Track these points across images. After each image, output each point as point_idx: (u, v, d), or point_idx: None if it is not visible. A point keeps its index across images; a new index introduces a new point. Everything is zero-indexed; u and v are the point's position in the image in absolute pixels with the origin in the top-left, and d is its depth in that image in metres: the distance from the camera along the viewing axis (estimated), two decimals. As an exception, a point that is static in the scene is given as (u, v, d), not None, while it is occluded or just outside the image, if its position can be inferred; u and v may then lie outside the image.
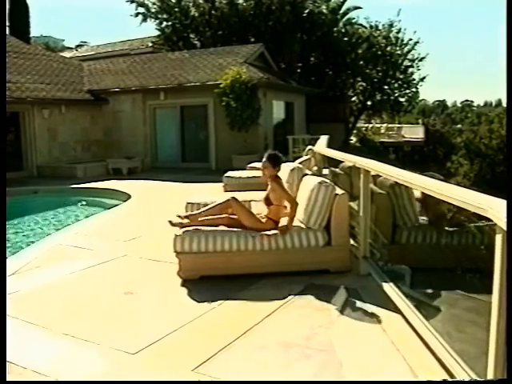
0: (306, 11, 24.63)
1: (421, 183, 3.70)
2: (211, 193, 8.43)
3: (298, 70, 25.94)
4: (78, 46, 41.34)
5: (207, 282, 5.01)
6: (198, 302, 4.60)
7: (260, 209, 5.68)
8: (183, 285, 5.03)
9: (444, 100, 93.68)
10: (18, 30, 28.61)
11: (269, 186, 5.54)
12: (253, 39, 23.83)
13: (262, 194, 7.29)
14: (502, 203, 2.41)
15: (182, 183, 12.78)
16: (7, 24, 30.37)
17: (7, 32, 26.74)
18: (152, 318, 4.32)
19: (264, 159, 5.56)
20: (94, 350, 3.70)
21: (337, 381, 3.25)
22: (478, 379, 2.88)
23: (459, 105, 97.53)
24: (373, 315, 4.19)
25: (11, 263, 6.35)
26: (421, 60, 28.04)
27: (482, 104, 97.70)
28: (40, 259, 6.28)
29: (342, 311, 4.34)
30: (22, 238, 8.57)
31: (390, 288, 4.48)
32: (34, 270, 5.82)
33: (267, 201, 5.46)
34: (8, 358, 3.52)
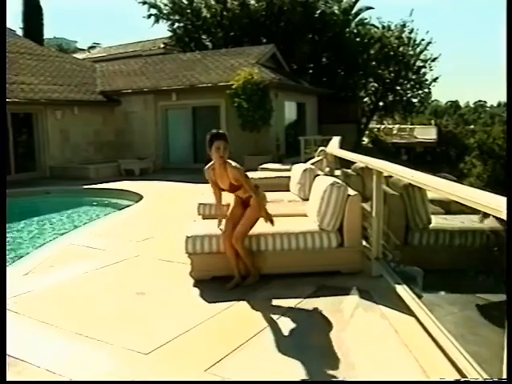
0: (318, 12, 24.61)
1: (434, 184, 3.69)
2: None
3: (310, 71, 25.89)
4: (90, 47, 41.59)
5: (219, 283, 5.01)
6: (210, 302, 4.60)
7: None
8: (195, 285, 5.04)
9: (456, 100, 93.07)
10: (31, 31, 28.81)
11: (219, 172, 5.15)
12: (264, 40, 23.84)
13: (275, 195, 7.30)
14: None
15: (194, 184, 12.77)
16: (21, 26, 30.67)
17: (20, 34, 26.99)
18: (164, 319, 4.33)
19: (216, 139, 5.06)
20: (107, 349, 3.72)
21: (337, 381, 3.26)
22: (479, 379, 2.87)
23: (472, 105, 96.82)
24: (385, 317, 4.17)
25: (25, 263, 6.41)
26: (433, 60, 27.89)
27: (495, 104, 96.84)
28: (53, 259, 6.32)
29: (354, 313, 4.33)
30: (35, 238, 8.63)
31: (402, 289, 4.45)
32: (47, 269, 5.86)
33: (233, 188, 5.17)
34: (22, 357, 3.56)
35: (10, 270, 6.16)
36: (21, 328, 4.17)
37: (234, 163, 5.11)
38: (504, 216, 2.45)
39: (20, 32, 28.95)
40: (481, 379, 2.89)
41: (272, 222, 5.16)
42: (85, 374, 3.41)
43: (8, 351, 3.63)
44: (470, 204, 2.97)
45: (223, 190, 5.26)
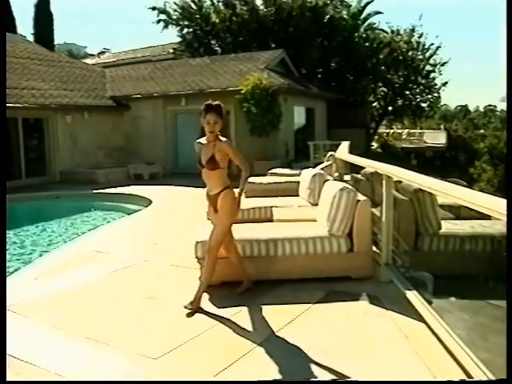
0: (327, 17, 24.60)
1: (444, 189, 3.67)
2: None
3: (319, 76, 25.88)
4: (100, 52, 41.78)
5: (228, 288, 5.00)
6: (219, 307, 4.59)
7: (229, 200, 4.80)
8: (204, 290, 5.02)
9: (466, 105, 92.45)
10: (42, 37, 29.08)
11: (208, 147, 4.68)
12: (273, 45, 23.88)
13: (284, 200, 7.29)
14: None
15: (203, 189, 12.69)
16: (31, 32, 30.97)
17: (31, 40, 27.21)
18: (174, 323, 4.33)
19: (207, 112, 4.56)
20: (117, 354, 3.72)
21: (339, 381, 3.26)
22: (479, 379, 2.86)
23: (482, 110, 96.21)
24: (395, 322, 4.14)
25: (35, 267, 6.43)
26: (443, 65, 27.80)
27: (505, 109, 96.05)
28: (63, 264, 6.34)
29: (363, 318, 4.31)
30: (45, 242, 8.66)
31: (412, 295, 4.42)
32: (56, 274, 5.88)
33: (213, 164, 4.64)
34: (32, 361, 3.57)
35: (21, 274, 6.20)
36: (30, 332, 4.18)
37: (225, 139, 4.69)
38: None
39: (31, 38, 29.21)
40: (480, 379, 2.88)
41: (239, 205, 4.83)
42: (93, 377, 3.41)
43: (17, 354, 3.66)
44: (483, 210, 2.96)
45: (202, 166, 4.74)
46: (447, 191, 3.60)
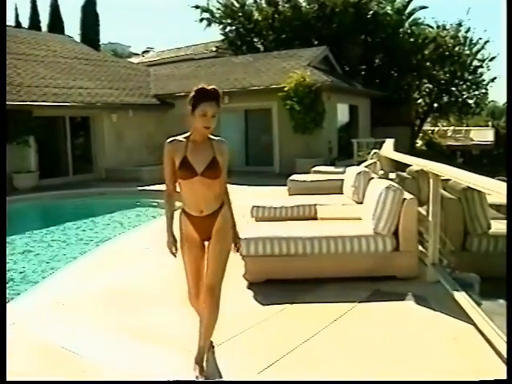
0: (370, 13, 24.31)
1: (494, 187, 3.58)
2: (276, 196, 8.43)
3: (362, 73, 25.61)
4: (144, 52, 42.45)
5: (272, 286, 5.01)
6: (264, 304, 4.61)
7: None
8: (249, 287, 5.05)
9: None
10: (88, 38, 29.81)
11: (203, 147, 3.55)
12: (316, 42, 23.76)
13: (328, 198, 7.23)
14: None
15: (246, 186, 12.79)
16: (78, 33, 31.77)
17: (78, 40, 27.88)
18: (218, 320, 4.35)
19: (205, 99, 3.35)
20: (165, 350, 3.78)
21: (340, 381, 3.24)
22: (479, 379, 2.86)
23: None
24: (443, 324, 4.07)
25: (78, 264, 6.56)
26: (491, 60, 27.01)
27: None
28: (107, 261, 6.48)
29: (410, 319, 4.25)
30: (91, 238, 8.86)
31: (460, 296, 4.33)
32: (103, 270, 6.01)
33: (216, 169, 3.52)
34: (84, 354, 3.66)
35: (65, 270, 6.34)
36: (80, 325, 4.29)
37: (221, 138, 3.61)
38: None
39: (78, 38, 29.94)
40: (480, 379, 2.84)
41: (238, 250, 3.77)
42: (145, 373, 3.47)
43: (69, 347, 3.76)
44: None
45: (192, 174, 3.44)
46: (497, 189, 3.52)
